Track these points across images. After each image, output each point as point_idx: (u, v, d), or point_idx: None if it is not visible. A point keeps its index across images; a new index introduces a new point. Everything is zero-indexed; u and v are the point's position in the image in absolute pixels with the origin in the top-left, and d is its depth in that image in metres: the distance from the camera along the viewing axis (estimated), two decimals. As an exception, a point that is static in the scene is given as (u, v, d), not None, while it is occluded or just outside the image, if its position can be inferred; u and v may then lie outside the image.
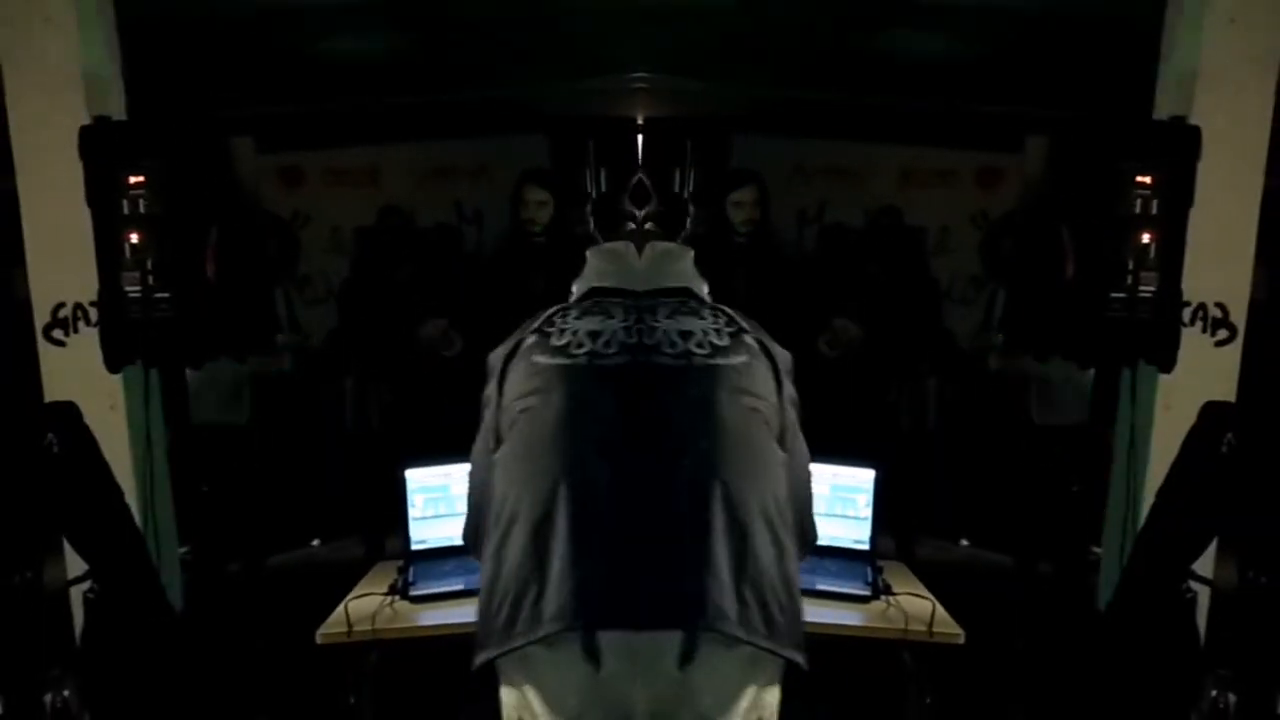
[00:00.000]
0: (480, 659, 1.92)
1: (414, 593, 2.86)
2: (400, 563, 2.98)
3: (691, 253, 2.15)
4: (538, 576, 1.86)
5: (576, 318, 2.01)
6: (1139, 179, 2.86)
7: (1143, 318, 2.89)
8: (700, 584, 1.85)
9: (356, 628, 2.70)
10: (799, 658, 1.92)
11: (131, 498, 2.99)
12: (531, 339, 2.01)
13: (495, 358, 2.04)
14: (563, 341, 1.98)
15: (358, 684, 2.76)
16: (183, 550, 3.61)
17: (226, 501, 3.97)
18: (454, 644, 2.75)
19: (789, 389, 2.02)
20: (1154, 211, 2.86)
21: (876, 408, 4.51)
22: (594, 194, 5.55)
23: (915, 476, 4.41)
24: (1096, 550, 3.68)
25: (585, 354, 1.96)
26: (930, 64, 4.69)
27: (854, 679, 2.77)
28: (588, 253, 2.17)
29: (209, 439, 3.92)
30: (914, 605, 2.82)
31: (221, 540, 3.92)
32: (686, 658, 1.86)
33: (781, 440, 1.99)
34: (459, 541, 3.01)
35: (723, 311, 2.05)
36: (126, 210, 2.81)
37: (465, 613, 2.75)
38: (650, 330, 1.98)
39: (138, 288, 2.83)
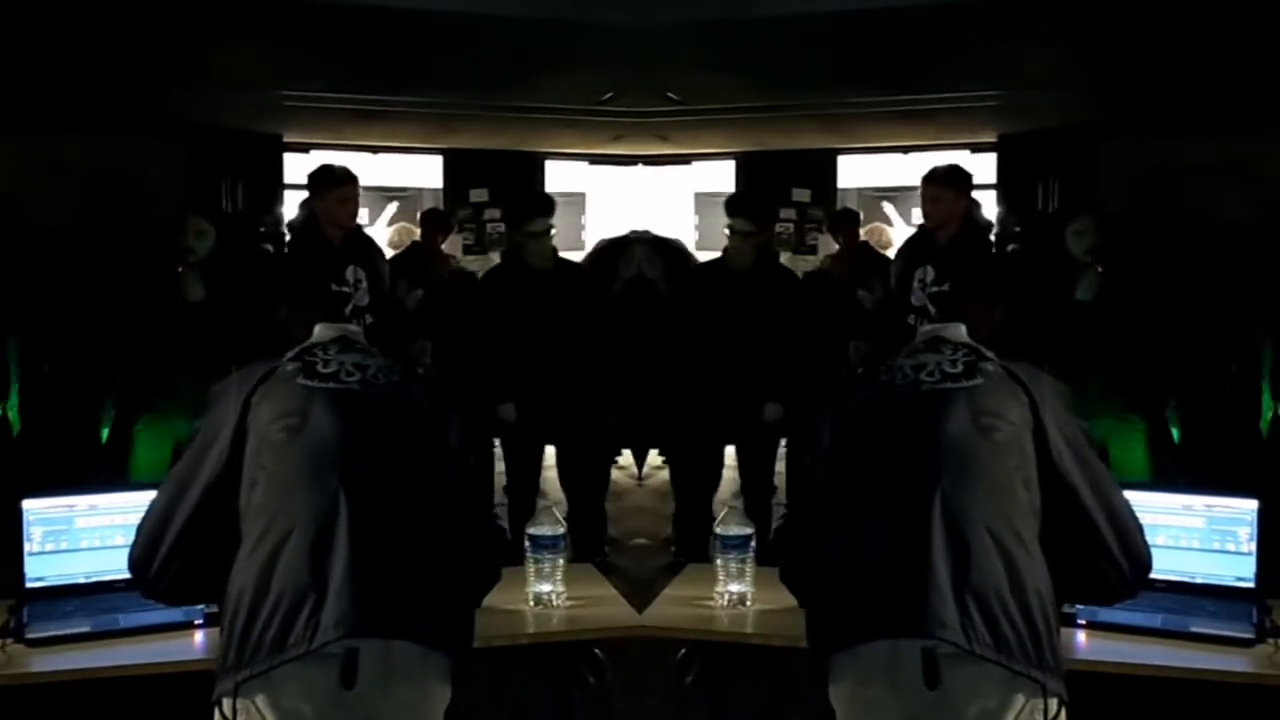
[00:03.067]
0: (239, 678, 1.90)
1: (29, 635, 2.61)
2: (11, 602, 2.71)
3: (963, 326, 2.23)
4: (316, 587, 1.92)
5: (339, 353, 2.17)
6: None
7: None
8: (921, 595, 1.90)
9: (-44, 675, 2.43)
10: (1039, 677, 1.90)
11: None
12: (291, 366, 2.13)
13: (226, 387, 2.12)
14: (330, 370, 2.13)
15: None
16: None
17: None
18: (74, 691, 2.56)
19: (1064, 417, 2.08)
20: None
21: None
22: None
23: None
24: None
25: (356, 381, 2.12)
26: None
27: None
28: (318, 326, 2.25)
29: None
30: None
31: None
32: (931, 674, 1.89)
33: (1059, 465, 2.04)
34: (83, 579, 2.83)
35: (967, 347, 2.17)
36: None
37: (91, 657, 2.57)
38: None
39: None
